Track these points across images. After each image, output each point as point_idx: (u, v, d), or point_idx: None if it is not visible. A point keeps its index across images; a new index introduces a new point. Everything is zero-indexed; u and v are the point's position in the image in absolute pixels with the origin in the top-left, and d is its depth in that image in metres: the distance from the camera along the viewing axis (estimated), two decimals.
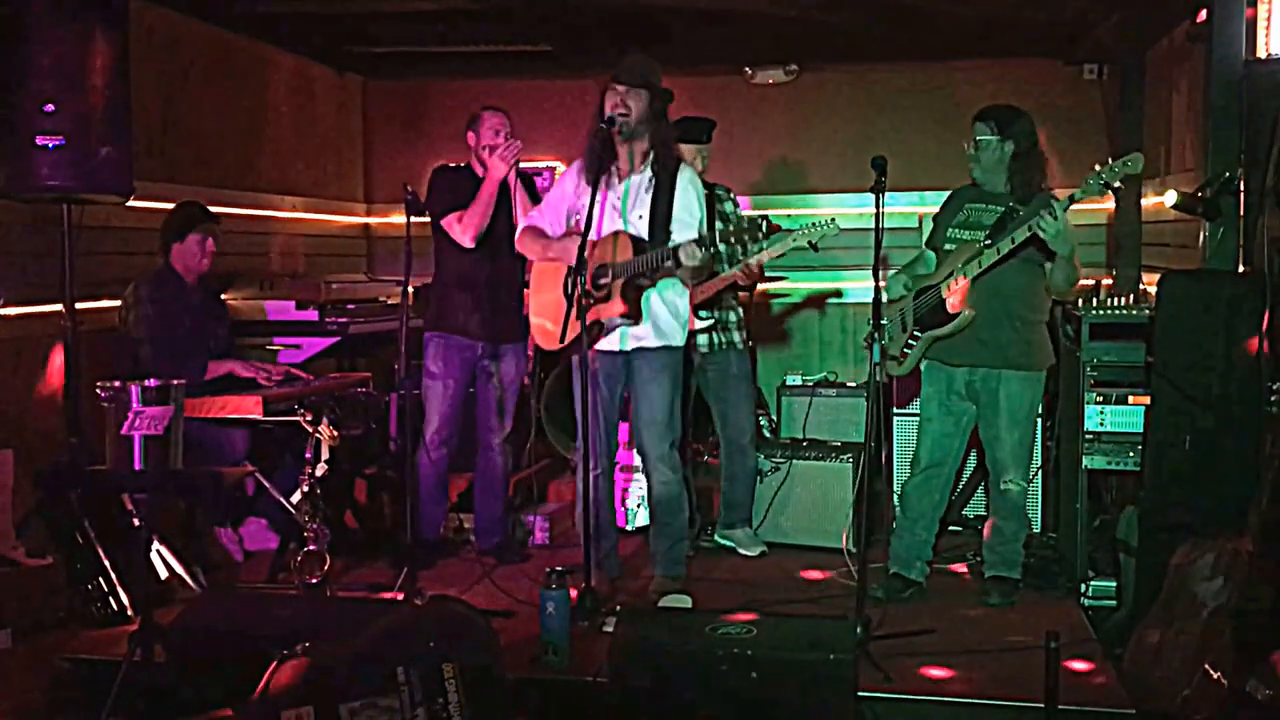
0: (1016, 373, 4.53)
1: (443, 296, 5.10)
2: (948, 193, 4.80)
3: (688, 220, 4.40)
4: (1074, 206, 4.21)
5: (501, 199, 4.92)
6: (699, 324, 5.15)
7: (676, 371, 4.56)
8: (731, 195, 5.39)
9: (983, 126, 4.54)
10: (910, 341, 4.64)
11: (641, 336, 4.47)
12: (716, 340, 5.31)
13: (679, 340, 4.55)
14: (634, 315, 4.41)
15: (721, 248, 5.05)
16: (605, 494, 4.71)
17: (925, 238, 4.82)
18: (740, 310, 5.46)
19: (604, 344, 4.48)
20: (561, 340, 4.46)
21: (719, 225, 5.12)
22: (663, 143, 4.46)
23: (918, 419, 4.87)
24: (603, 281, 4.38)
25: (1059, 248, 4.25)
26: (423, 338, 5.13)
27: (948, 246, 4.61)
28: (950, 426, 4.67)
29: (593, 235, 4.38)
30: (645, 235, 4.40)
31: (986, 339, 4.50)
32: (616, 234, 4.41)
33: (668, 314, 4.49)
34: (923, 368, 4.70)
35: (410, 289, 4.69)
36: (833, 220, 4.65)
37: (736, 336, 5.38)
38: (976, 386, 4.59)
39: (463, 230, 4.92)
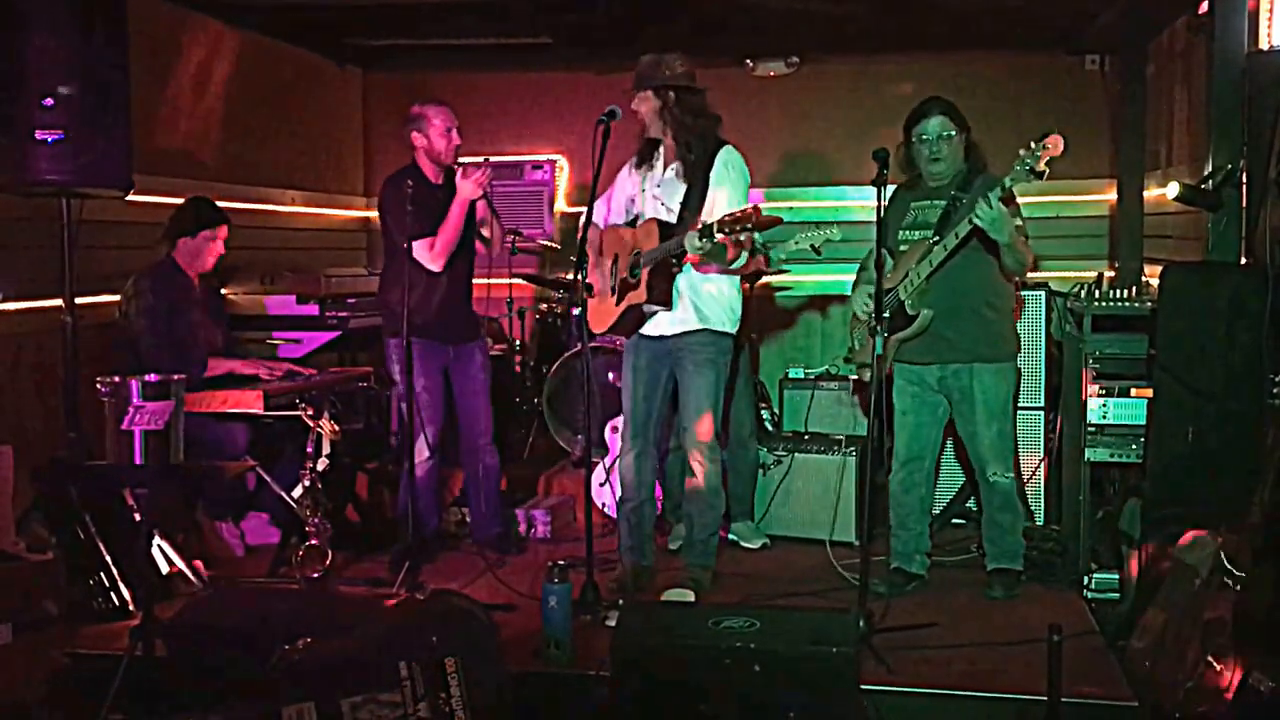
0: (987, 366, 4.51)
1: (400, 301, 4.79)
2: None
3: (725, 202, 4.42)
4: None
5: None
6: None
7: (723, 360, 4.60)
8: None
9: (948, 121, 4.49)
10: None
11: (684, 320, 4.54)
12: None
13: (727, 326, 4.59)
14: (664, 301, 4.49)
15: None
16: (644, 477, 4.72)
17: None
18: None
19: (649, 329, 4.60)
20: (602, 325, 4.65)
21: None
22: (692, 134, 4.50)
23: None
24: (639, 269, 4.48)
25: (998, 236, 4.21)
26: (387, 344, 5.02)
27: (901, 248, 4.58)
28: (926, 417, 4.66)
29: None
30: (675, 221, 4.47)
31: (951, 336, 4.48)
32: (648, 221, 4.51)
33: (713, 300, 4.55)
34: (894, 366, 4.69)
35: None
36: (835, 226, 4.66)
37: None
38: (949, 383, 4.57)
39: (434, 258, 4.85)
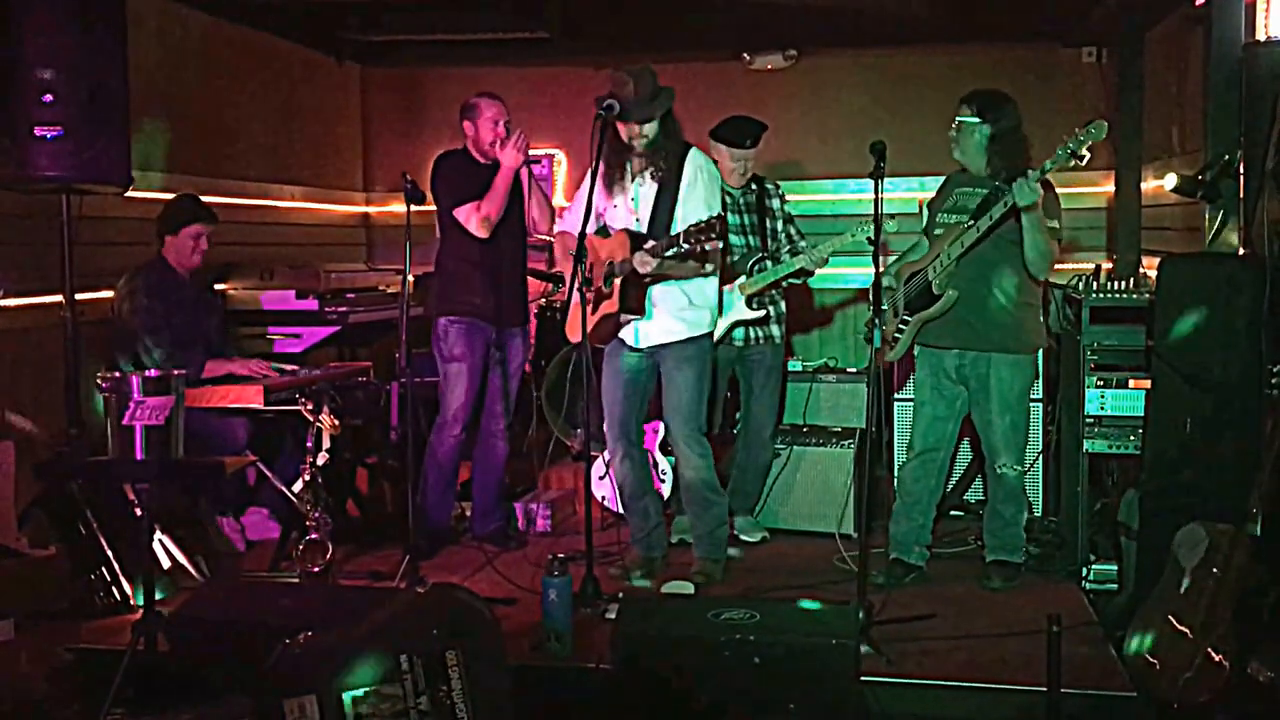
0: (1005, 356, 4.53)
1: (453, 281, 5.09)
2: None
3: (696, 209, 4.44)
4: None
5: (512, 185, 4.98)
6: (751, 315, 5.16)
7: (703, 359, 4.62)
8: (780, 191, 5.40)
9: (966, 109, 4.55)
10: (901, 325, 4.65)
11: (664, 331, 4.57)
12: (754, 333, 5.28)
13: (705, 328, 4.61)
14: (637, 310, 4.52)
15: (778, 240, 5.32)
16: (638, 473, 4.77)
17: (923, 226, 4.82)
18: (784, 305, 5.41)
19: (625, 335, 4.63)
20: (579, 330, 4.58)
21: (768, 222, 5.32)
22: (669, 150, 4.52)
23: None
24: (611, 280, 4.50)
25: (1028, 213, 4.27)
26: (436, 323, 5.11)
27: (936, 231, 4.63)
28: (943, 410, 4.68)
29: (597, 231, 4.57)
30: (646, 230, 4.50)
31: (974, 321, 4.51)
32: (619, 232, 4.54)
33: (690, 307, 4.56)
34: (915, 352, 4.71)
35: (410, 278, 4.70)
36: (893, 217, 4.66)
37: (775, 330, 5.34)
38: (966, 370, 4.60)
39: (480, 221, 4.94)
